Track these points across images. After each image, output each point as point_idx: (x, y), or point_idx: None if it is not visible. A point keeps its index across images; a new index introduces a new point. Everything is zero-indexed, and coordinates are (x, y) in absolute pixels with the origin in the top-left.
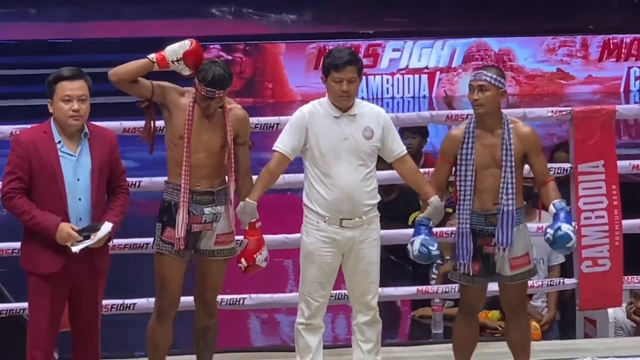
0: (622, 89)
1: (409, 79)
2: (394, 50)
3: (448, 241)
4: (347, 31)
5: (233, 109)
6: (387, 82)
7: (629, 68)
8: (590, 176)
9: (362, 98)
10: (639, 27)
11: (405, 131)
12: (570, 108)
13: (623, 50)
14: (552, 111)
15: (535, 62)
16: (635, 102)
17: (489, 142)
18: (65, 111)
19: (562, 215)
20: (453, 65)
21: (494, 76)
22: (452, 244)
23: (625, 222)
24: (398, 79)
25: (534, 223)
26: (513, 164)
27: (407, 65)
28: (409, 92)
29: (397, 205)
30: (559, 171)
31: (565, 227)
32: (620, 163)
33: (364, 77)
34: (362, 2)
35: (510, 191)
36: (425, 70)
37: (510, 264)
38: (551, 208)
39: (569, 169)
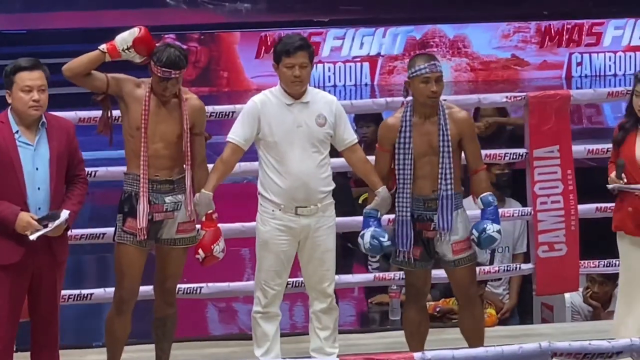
0: (563, 75)
1: (350, 67)
2: (336, 38)
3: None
4: (302, 19)
5: (189, 99)
6: (329, 71)
7: (570, 54)
8: (546, 161)
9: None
10: (594, 13)
11: (360, 120)
12: (524, 94)
13: (565, 36)
14: (507, 97)
15: (490, 49)
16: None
17: (425, 129)
18: (25, 101)
19: (488, 211)
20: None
21: (440, 64)
22: (392, 230)
23: (580, 206)
24: (340, 67)
25: (501, 209)
26: (450, 149)
27: (350, 54)
28: (351, 81)
29: None
30: (515, 156)
31: (490, 229)
32: (575, 148)
33: None
34: None
35: (448, 177)
36: (367, 58)
37: (453, 249)
38: (478, 202)
39: (524, 154)
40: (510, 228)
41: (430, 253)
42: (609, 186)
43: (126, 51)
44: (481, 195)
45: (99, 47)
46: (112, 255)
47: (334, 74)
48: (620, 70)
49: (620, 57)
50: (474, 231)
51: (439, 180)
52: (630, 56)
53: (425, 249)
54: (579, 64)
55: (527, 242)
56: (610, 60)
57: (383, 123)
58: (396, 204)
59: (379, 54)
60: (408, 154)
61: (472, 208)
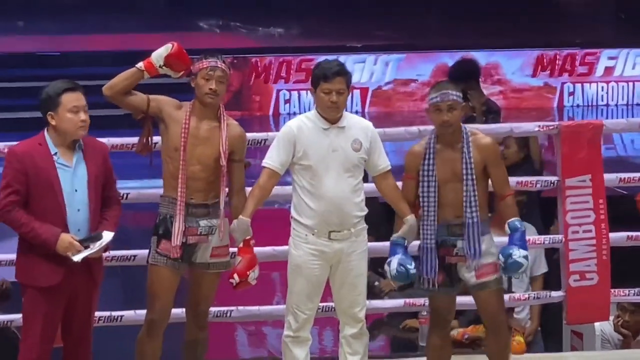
0: (555, 105)
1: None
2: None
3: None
4: (335, 44)
5: (230, 124)
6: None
7: (563, 84)
8: (578, 190)
9: None
10: (630, 42)
11: None
12: (557, 122)
13: (557, 64)
14: (539, 126)
15: (522, 76)
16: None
17: (449, 156)
18: (75, 122)
19: (516, 237)
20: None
21: (457, 92)
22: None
23: (612, 235)
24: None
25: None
26: (474, 176)
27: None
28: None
29: None
30: (546, 184)
31: (517, 255)
32: (607, 176)
33: None
34: (350, 16)
35: (473, 204)
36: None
37: (476, 273)
38: (506, 228)
39: (556, 182)
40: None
41: (453, 279)
42: None
43: (163, 67)
44: (508, 221)
45: (136, 65)
46: (139, 277)
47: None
48: (612, 100)
49: (612, 86)
50: (500, 256)
51: (464, 208)
52: (622, 86)
53: (447, 274)
54: (571, 93)
55: (545, 261)
56: (602, 90)
57: (409, 150)
58: (421, 231)
59: (412, 80)
60: (432, 180)
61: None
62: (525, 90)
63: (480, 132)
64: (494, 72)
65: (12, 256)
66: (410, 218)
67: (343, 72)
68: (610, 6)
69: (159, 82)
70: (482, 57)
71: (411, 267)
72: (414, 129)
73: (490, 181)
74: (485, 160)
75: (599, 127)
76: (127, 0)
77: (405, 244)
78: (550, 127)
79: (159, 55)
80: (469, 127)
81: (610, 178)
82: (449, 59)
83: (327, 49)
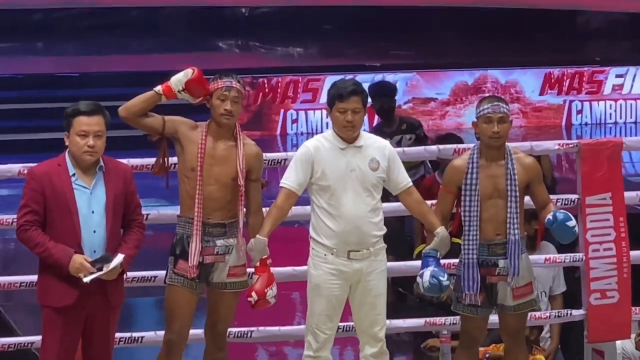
0: (563, 123)
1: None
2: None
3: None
4: (354, 64)
5: (247, 144)
6: None
7: (570, 102)
8: (598, 208)
9: None
10: None
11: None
12: (577, 141)
13: (565, 84)
14: (559, 144)
15: (542, 94)
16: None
17: (492, 172)
18: (80, 146)
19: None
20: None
21: (507, 106)
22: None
23: (633, 253)
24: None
25: (537, 255)
26: (517, 193)
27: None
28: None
29: None
30: (566, 202)
31: (571, 222)
32: (627, 194)
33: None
34: (368, 35)
35: (515, 221)
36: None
37: (513, 294)
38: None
39: (576, 200)
40: (545, 271)
41: (492, 300)
42: None
43: (182, 92)
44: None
45: (154, 89)
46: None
47: None
48: (620, 118)
49: (620, 105)
50: (549, 216)
51: (507, 225)
52: (631, 104)
53: (487, 294)
54: (579, 111)
55: (563, 280)
56: (610, 108)
57: (450, 164)
58: (462, 247)
59: (432, 98)
60: (474, 195)
61: None
62: (545, 109)
63: (521, 152)
64: (513, 90)
65: (32, 278)
66: (441, 230)
67: (359, 92)
68: (629, 23)
69: (175, 103)
70: (500, 75)
71: (444, 278)
72: (433, 148)
73: (531, 198)
74: (530, 178)
75: (619, 145)
76: (146, 21)
77: (438, 256)
78: (570, 145)
79: (178, 80)
80: (511, 145)
81: (630, 196)
82: (469, 77)
83: (347, 68)
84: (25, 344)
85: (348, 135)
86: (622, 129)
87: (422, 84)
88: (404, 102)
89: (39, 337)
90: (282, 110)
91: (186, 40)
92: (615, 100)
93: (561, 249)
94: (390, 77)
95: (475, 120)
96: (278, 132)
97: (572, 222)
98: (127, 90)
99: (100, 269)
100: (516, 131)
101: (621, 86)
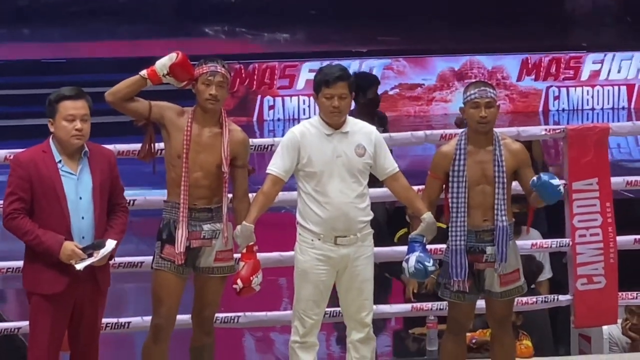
0: (540, 109)
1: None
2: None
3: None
4: (340, 50)
5: (233, 130)
6: None
7: (548, 88)
8: (585, 194)
9: None
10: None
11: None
12: (564, 126)
13: (542, 70)
14: (546, 129)
15: (528, 80)
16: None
17: (480, 158)
18: (68, 130)
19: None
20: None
21: (495, 92)
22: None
23: (619, 238)
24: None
25: (524, 240)
26: (505, 180)
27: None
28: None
29: None
30: None
31: (555, 181)
32: (614, 180)
33: None
34: (355, 21)
35: (503, 207)
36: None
37: (500, 280)
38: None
39: (562, 185)
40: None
41: (479, 286)
42: None
43: (167, 76)
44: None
45: (139, 73)
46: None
47: None
48: (598, 104)
49: (597, 90)
50: (534, 179)
51: (495, 211)
52: (608, 90)
53: (474, 281)
54: (556, 97)
55: (549, 267)
56: (588, 94)
57: (438, 151)
58: (450, 233)
59: (418, 84)
60: (462, 182)
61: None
62: (531, 94)
63: (509, 137)
64: (500, 75)
65: (19, 264)
66: (427, 216)
67: (345, 77)
68: (616, 9)
69: (161, 89)
70: (487, 61)
71: (429, 264)
72: (420, 133)
73: (519, 183)
74: (518, 164)
75: (606, 131)
76: (132, 7)
77: (424, 241)
78: (557, 131)
79: (162, 64)
80: (498, 131)
81: (617, 181)
82: (455, 63)
83: (333, 54)
84: (12, 330)
85: (334, 121)
86: (600, 115)
87: (408, 70)
88: (391, 87)
89: (26, 323)
90: (259, 97)
91: (173, 26)
92: (593, 86)
93: (547, 235)
94: (376, 62)
95: (463, 105)
96: (254, 118)
97: (557, 181)
98: (115, 76)
99: (91, 255)
100: (503, 117)
101: (598, 72)
